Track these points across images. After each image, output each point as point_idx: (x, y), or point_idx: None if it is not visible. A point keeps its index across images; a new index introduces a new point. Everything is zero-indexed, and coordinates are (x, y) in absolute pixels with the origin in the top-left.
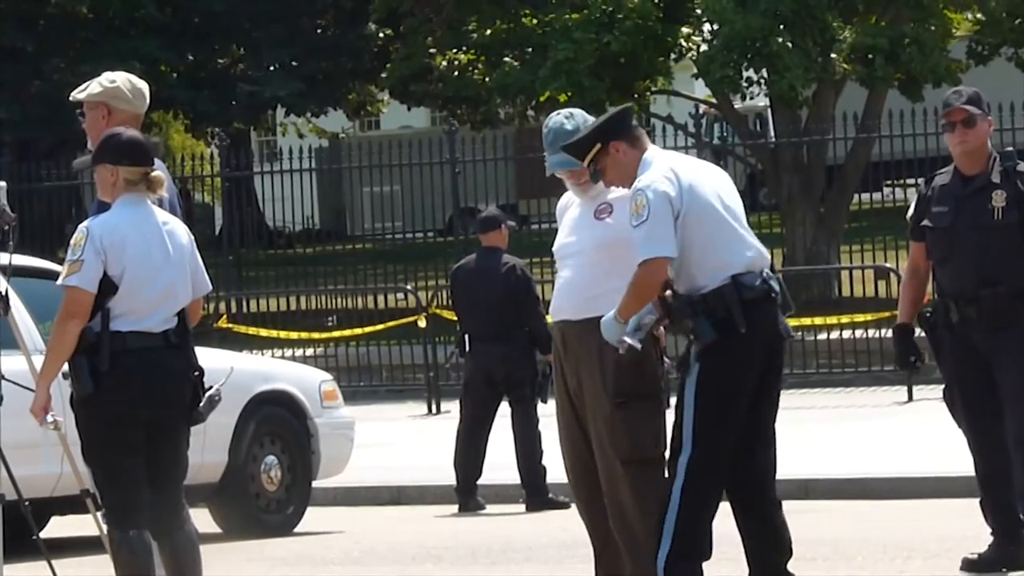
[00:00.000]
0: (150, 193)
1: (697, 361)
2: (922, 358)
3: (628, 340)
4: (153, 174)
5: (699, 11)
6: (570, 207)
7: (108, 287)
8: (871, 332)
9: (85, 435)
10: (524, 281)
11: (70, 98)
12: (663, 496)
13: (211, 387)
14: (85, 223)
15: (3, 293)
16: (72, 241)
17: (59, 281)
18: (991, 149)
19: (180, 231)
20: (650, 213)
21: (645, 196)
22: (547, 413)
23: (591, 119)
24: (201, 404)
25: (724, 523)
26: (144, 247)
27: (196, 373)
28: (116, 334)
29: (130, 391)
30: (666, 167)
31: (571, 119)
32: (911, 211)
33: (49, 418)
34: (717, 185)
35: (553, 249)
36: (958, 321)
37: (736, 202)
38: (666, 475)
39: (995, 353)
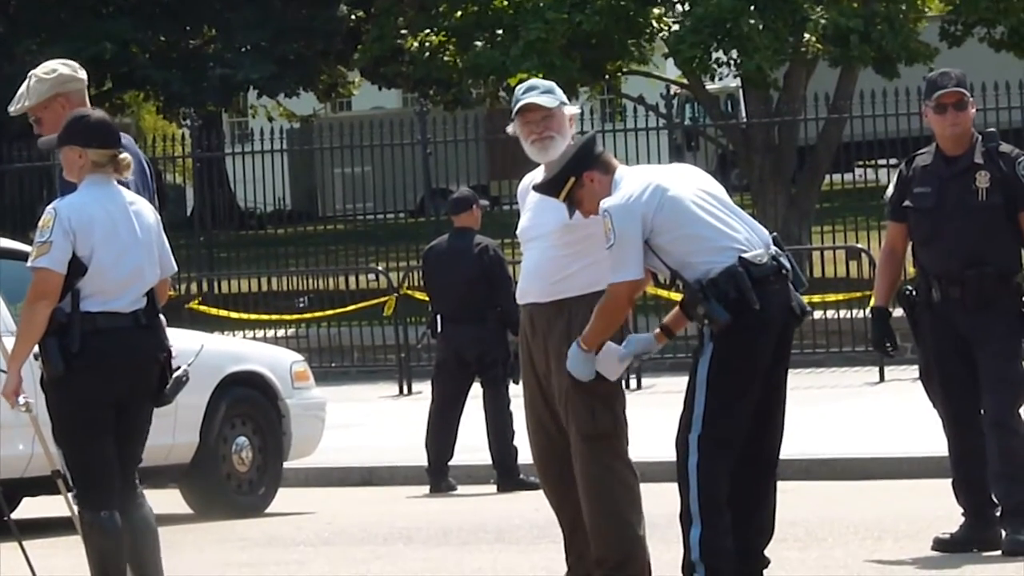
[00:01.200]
0: (116, 175)
1: (711, 341)
2: (896, 343)
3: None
4: (120, 156)
5: None
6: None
7: (77, 268)
8: (843, 312)
9: (56, 416)
10: (496, 261)
11: (11, 113)
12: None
13: (179, 368)
14: (52, 204)
15: None
16: (40, 223)
17: (28, 263)
18: (973, 130)
19: (147, 211)
20: (616, 236)
21: (611, 218)
22: (518, 394)
23: (556, 87)
24: (168, 386)
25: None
26: (112, 227)
27: (165, 354)
28: (86, 315)
29: (101, 372)
30: (633, 183)
31: (546, 82)
32: (890, 191)
33: (20, 400)
34: (691, 182)
35: (517, 232)
36: (940, 300)
37: (719, 191)
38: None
39: (976, 334)
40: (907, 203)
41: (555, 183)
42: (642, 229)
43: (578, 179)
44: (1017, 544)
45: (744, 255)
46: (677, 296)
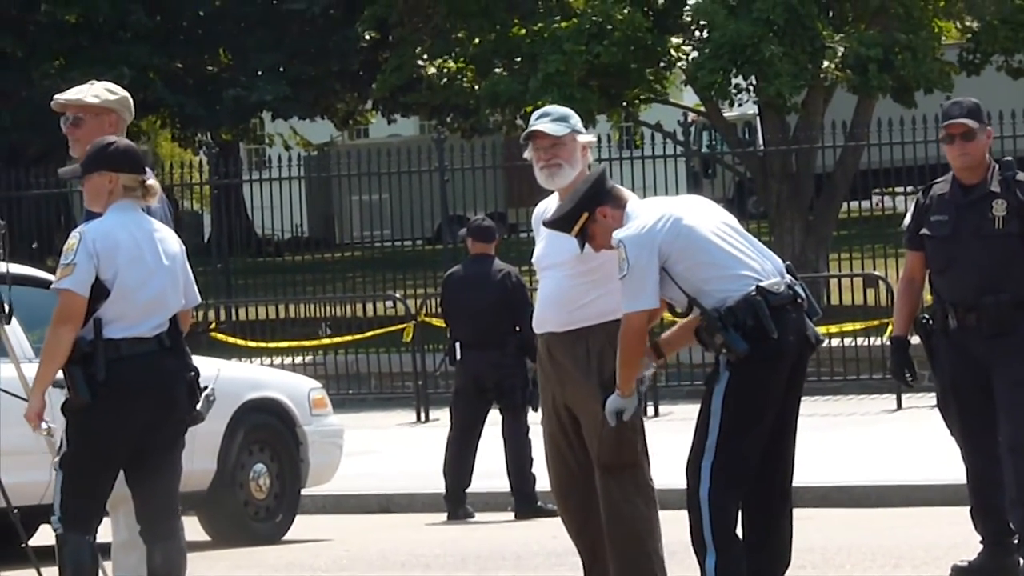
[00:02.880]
0: (143, 201)
1: (727, 370)
2: (915, 373)
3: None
4: (149, 182)
5: (689, 18)
6: (546, 215)
7: (100, 291)
8: (860, 340)
9: (74, 443)
10: (519, 287)
11: (60, 100)
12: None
13: (206, 387)
14: (79, 227)
15: (7, 302)
16: (65, 245)
17: (52, 285)
18: (990, 158)
19: (171, 240)
20: (629, 267)
21: (624, 249)
22: (536, 421)
23: (572, 114)
24: (199, 404)
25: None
26: (137, 252)
27: (192, 373)
28: (109, 342)
29: (127, 399)
30: (647, 215)
31: (558, 109)
32: (907, 220)
33: (44, 425)
34: (705, 213)
35: (533, 260)
36: (956, 328)
37: (732, 221)
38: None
39: (993, 361)
40: (924, 231)
41: (568, 219)
42: (657, 258)
43: (591, 214)
44: None
45: (761, 283)
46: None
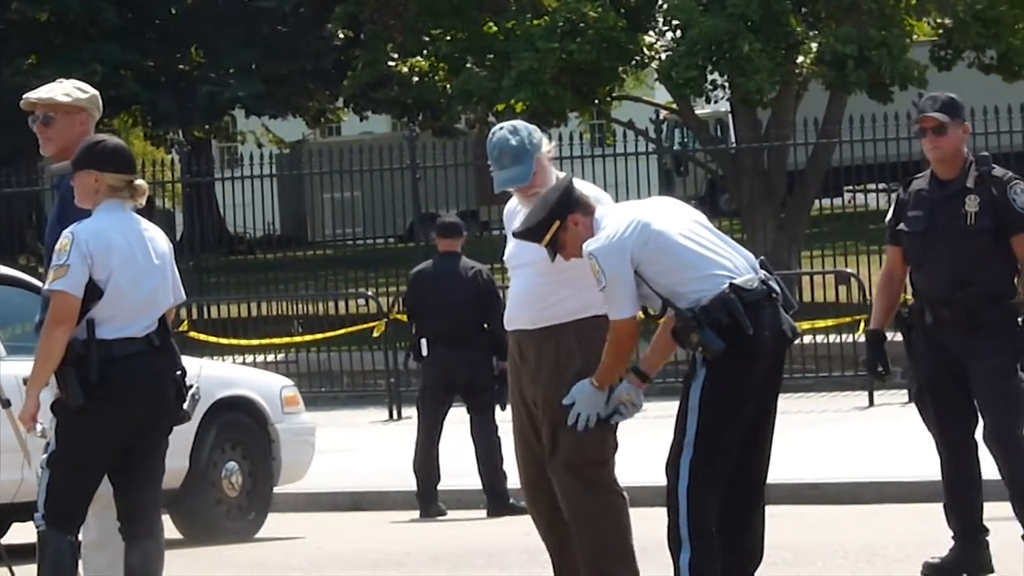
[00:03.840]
0: (131, 201)
1: (703, 367)
2: (888, 367)
3: (602, 414)
4: (136, 182)
5: (663, 16)
6: (518, 214)
7: (93, 292)
8: (832, 337)
9: (64, 442)
10: (490, 284)
11: (29, 98)
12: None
13: (191, 385)
14: (70, 228)
15: None
16: (57, 246)
17: (45, 286)
18: (967, 154)
19: (160, 239)
20: (606, 277)
21: (597, 260)
22: (506, 419)
23: (535, 131)
24: (186, 403)
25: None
26: (129, 252)
27: (179, 372)
28: (102, 343)
29: (120, 401)
30: (619, 221)
31: (515, 134)
32: (889, 215)
33: (38, 427)
34: (674, 214)
35: (504, 258)
36: (932, 323)
37: (702, 220)
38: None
39: (968, 355)
40: (900, 226)
41: (539, 229)
42: (631, 264)
43: (563, 223)
44: None
45: (735, 281)
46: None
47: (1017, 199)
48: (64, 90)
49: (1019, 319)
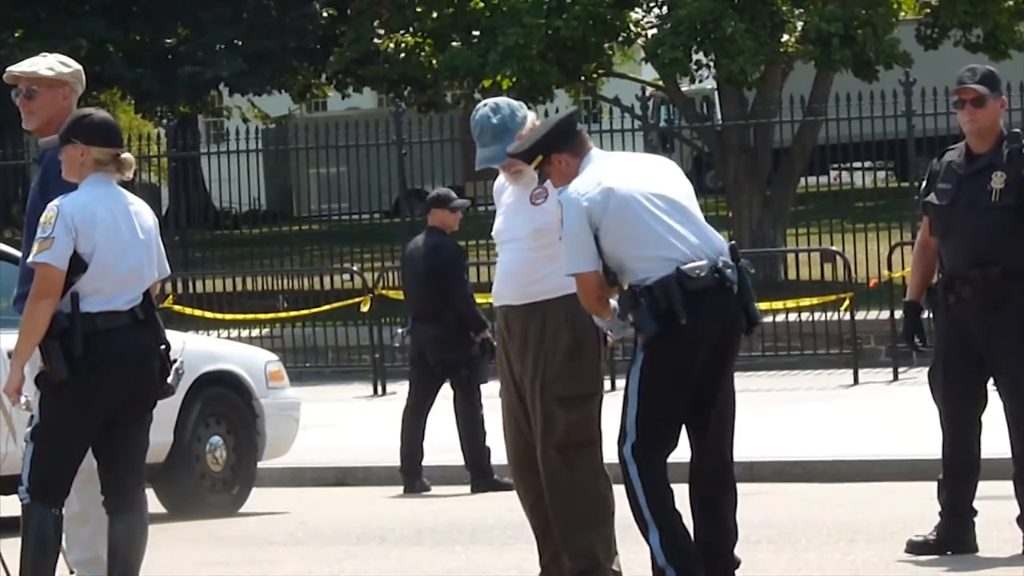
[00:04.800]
0: (117, 175)
1: (641, 351)
2: (925, 339)
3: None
4: (123, 156)
5: None
6: (506, 188)
7: (77, 265)
8: (817, 315)
9: (48, 416)
10: (444, 263)
11: (12, 71)
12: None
13: (175, 360)
14: (55, 201)
15: None
16: (42, 219)
17: (30, 259)
18: (1002, 128)
19: (145, 213)
20: (565, 230)
21: (562, 210)
22: (490, 395)
23: (519, 109)
24: (169, 377)
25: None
26: (113, 226)
27: (163, 347)
28: (87, 316)
29: (104, 374)
30: (593, 177)
31: (497, 112)
32: (923, 185)
33: (22, 399)
34: (652, 182)
35: (492, 233)
36: (954, 300)
37: (679, 195)
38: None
39: (987, 335)
40: (929, 197)
41: (525, 155)
42: (588, 224)
43: (547, 157)
44: None
45: (683, 266)
46: None
47: None
48: (47, 64)
49: None
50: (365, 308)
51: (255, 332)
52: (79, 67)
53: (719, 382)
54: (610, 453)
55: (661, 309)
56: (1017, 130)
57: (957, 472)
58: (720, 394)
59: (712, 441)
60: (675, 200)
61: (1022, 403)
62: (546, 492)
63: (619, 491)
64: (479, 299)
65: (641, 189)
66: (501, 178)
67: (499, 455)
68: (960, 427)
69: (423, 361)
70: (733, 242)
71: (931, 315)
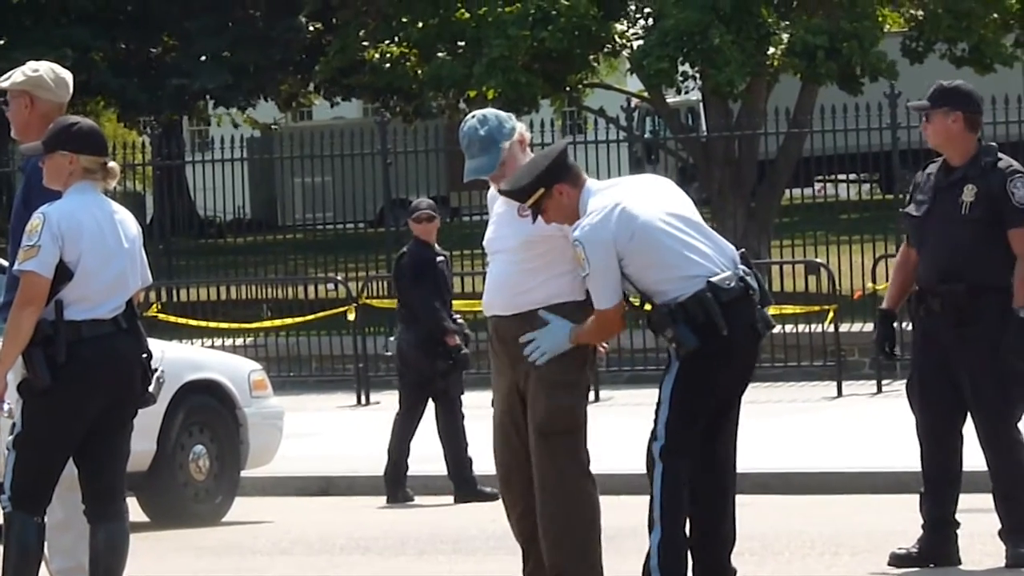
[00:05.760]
0: (103, 183)
1: (677, 360)
2: (894, 349)
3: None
4: (110, 164)
5: (636, 5)
6: (499, 198)
7: (63, 274)
8: (801, 327)
9: (31, 423)
10: (405, 274)
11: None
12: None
13: (156, 368)
14: (42, 209)
15: None
16: (28, 227)
17: (15, 267)
18: (977, 142)
19: (130, 221)
20: (590, 266)
21: (583, 248)
22: (471, 405)
23: (507, 120)
24: (151, 386)
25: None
26: (99, 234)
27: (145, 355)
28: (71, 324)
29: (86, 382)
30: (603, 206)
31: (484, 124)
32: (907, 197)
33: (5, 407)
34: (662, 202)
35: (484, 242)
36: (925, 314)
37: (687, 210)
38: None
39: (957, 351)
40: (908, 208)
41: (524, 191)
42: (615, 255)
43: (548, 190)
44: (1020, 557)
45: (712, 280)
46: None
47: (1016, 192)
48: (13, 75)
49: (1006, 313)
50: (352, 317)
51: (239, 341)
52: (41, 74)
53: (741, 389)
54: (609, 463)
55: (699, 323)
56: (992, 143)
57: (937, 485)
58: (736, 407)
59: (722, 452)
60: (686, 216)
61: (989, 419)
62: (535, 484)
63: (605, 500)
64: (464, 307)
65: (655, 211)
66: (494, 187)
67: (483, 465)
68: (939, 441)
69: (405, 368)
70: (743, 249)
71: (911, 326)
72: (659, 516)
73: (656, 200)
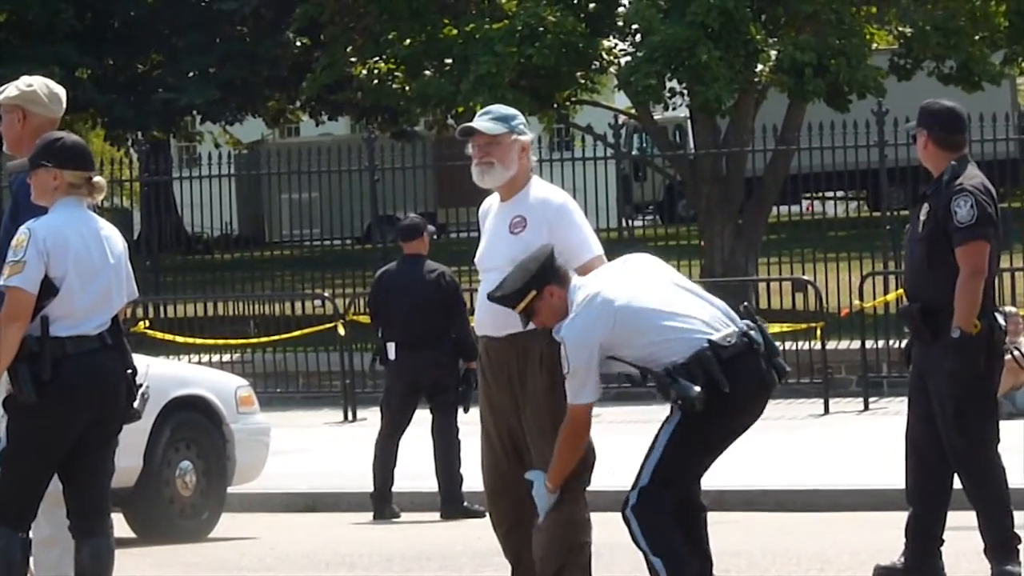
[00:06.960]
0: (89, 198)
1: (680, 410)
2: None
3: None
4: (96, 179)
5: (623, 21)
6: (490, 213)
7: (48, 289)
8: (788, 344)
9: (16, 440)
10: (452, 287)
11: None
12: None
13: (141, 384)
14: (27, 224)
15: None
16: (14, 242)
17: (1, 282)
18: (947, 161)
19: (115, 237)
20: (570, 366)
21: (565, 347)
22: (466, 421)
23: (524, 123)
24: (136, 402)
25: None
26: (84, 250)
27: (130, 371)
28: (56, 340)
29: (71, 398)
30: (585, 298)
31: (509, 110)
32: None
33: None
34: (641, 278)
35: (475, 259)
36: (906, 331)
37: (671, 278)
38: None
39: (925, 369)
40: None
41: (515, 296)
42: (598, 354)
43: (539, 293)
44: (1005, 574)
45: (712, 338)
46: None
47: (959, 211)
48: (7, 90)
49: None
50: (342, 332)
51: (226, 357)
52: (35, 88)
53: (736, 439)
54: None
55: (701, 382)
56: (965, 160)
57: (920, 504)
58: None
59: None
60: (672, 284)
61: (948, 439)
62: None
63: (594, 518)
64: None
65: (633, 291)
66: (486, 203)
67: (471, 483)
68: (923, 459)
69: (408, 389)
70: (746, 303)
71: None
72: (647, 547)
73: (635, 278)
